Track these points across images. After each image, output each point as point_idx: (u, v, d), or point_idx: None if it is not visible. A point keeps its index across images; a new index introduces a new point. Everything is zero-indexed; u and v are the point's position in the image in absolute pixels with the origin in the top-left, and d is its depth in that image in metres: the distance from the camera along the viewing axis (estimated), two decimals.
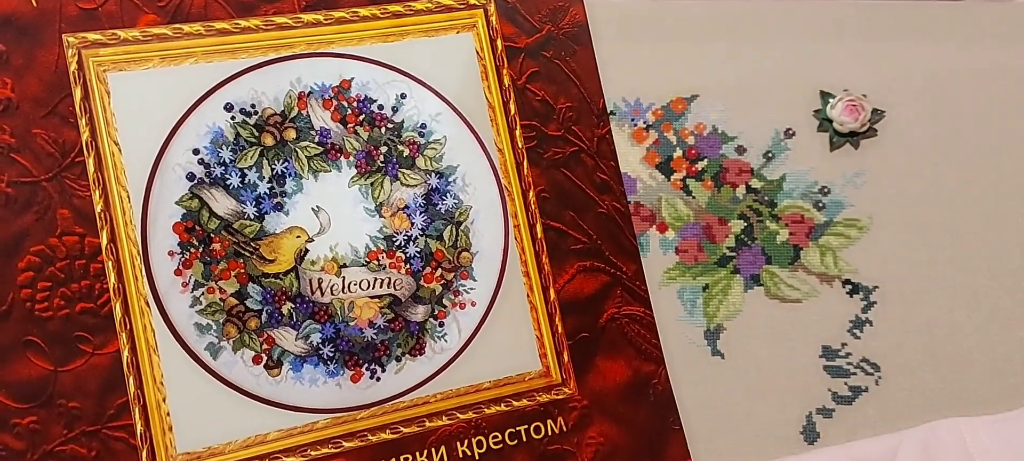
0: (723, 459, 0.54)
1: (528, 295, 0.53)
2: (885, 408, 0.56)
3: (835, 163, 0.60)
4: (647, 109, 0.59)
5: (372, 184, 0.51)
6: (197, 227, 0.48)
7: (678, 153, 0.59)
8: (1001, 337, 0.58)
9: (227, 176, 0.49)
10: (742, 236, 0.58)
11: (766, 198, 0.59)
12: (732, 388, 0.56)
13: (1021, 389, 0.57)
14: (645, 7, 0.60)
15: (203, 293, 0.47)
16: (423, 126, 0.53)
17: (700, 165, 0.59)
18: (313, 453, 0.48)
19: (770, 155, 0.60)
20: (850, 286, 0.58)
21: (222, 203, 0.48)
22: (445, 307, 0.51)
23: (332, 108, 0.51)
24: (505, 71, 0.54)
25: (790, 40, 0.61)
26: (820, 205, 0.59)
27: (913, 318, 0.58)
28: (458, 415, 0.50)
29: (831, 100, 0.60)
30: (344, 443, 0.48)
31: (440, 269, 0.52)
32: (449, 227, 0.52)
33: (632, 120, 0.59)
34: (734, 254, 0.58)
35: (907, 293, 0.58)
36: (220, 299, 0.48)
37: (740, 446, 0.55)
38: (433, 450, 0.49)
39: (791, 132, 0.60)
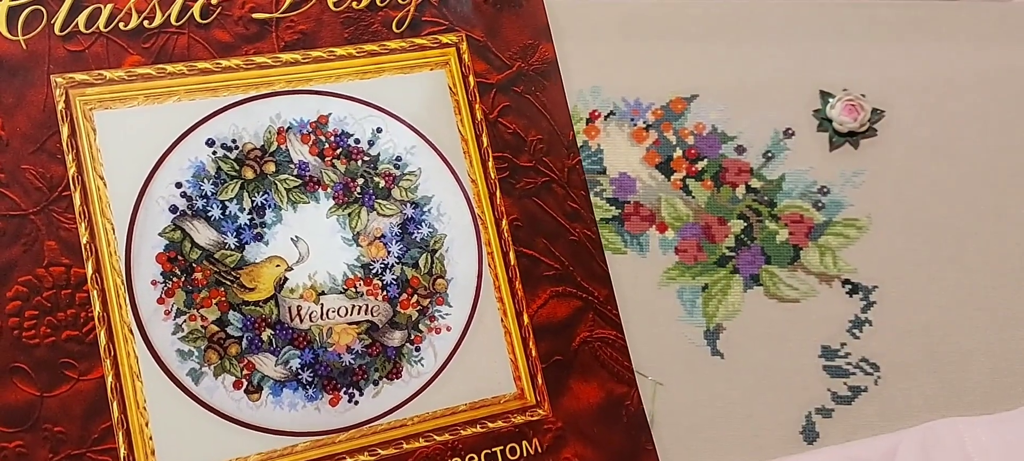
0: (722, 459, 0.53)
1: (502, 320, 0.53)
2: (884, 408, 0.54)
3: (834, 163, 0.58)
4: (647, 109, 0.59)
5: (349, 214, 0.52)
6: (179, 257, 0.50)
7: (678, 153, 0.58)
8: (1000, 337, 0.55)
9: (209, 208, 0.50)
10: (742, 236, 0.57)
11: (766, 198, 0.58)
12: (732, 388, 0.54)
13: (1020, 389, 0.54)
14: (645, 7, 0.60)
15: (185, 321, 0.49)
16: (398, 159, 0.54)
17: (700, 165, 0.58)
18: None
19: (770, 155, 0.58)
20: (849, 286, 0.56)
21: (204, 234, 0.50)
22: (421, 332, 0.52)
23: (310, 142, 0.53)
24: (477, 106, 0.55)
25: (790, 40, 0.60)
26: (819, 205, 0.58)
27: (912, 318, 0.56)
28: (435, 437, 0.50)
29: (831, 100, 0.59)
30: None
31: (416, 295, 0.52)
32: (424, 255, 0.53)
33: (632, 120, 0.59)
34: (734, 254, 0.57)
35: (906, 293, 0.56)
36: (202, 326, 0.49)
37: (740, 446, 0.53)
38: None
39: (791, 132, 0.59)
